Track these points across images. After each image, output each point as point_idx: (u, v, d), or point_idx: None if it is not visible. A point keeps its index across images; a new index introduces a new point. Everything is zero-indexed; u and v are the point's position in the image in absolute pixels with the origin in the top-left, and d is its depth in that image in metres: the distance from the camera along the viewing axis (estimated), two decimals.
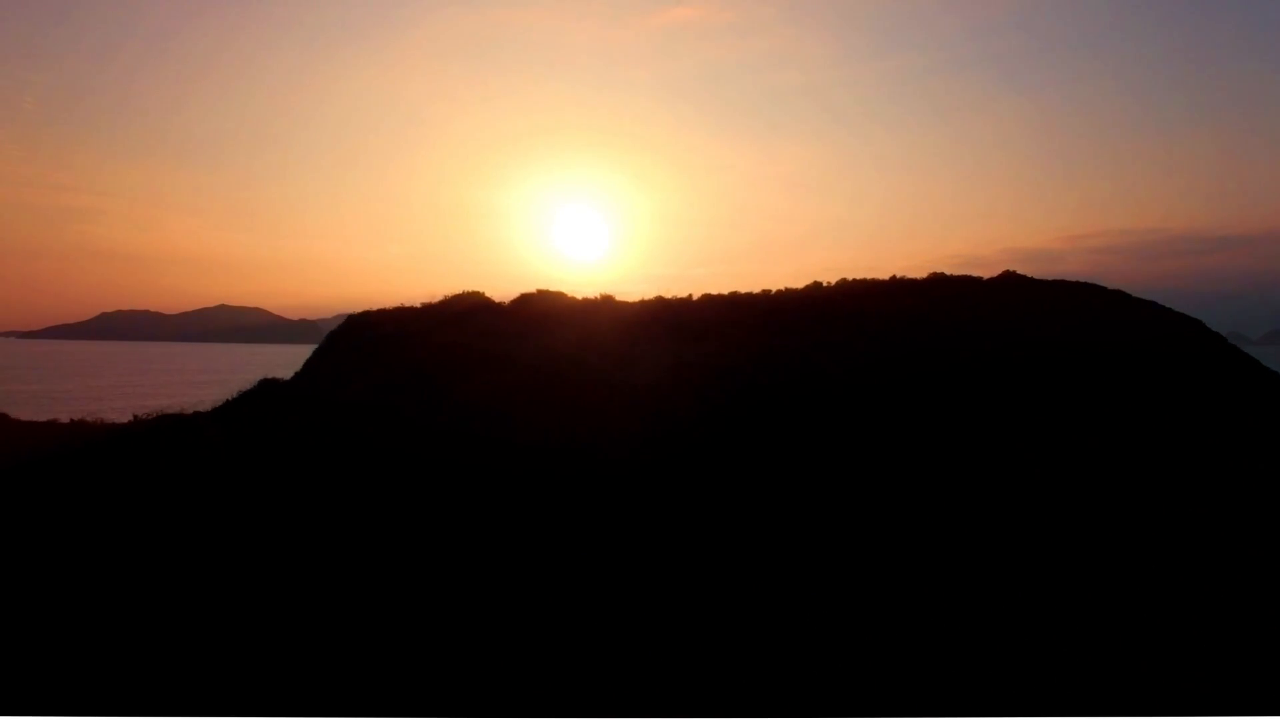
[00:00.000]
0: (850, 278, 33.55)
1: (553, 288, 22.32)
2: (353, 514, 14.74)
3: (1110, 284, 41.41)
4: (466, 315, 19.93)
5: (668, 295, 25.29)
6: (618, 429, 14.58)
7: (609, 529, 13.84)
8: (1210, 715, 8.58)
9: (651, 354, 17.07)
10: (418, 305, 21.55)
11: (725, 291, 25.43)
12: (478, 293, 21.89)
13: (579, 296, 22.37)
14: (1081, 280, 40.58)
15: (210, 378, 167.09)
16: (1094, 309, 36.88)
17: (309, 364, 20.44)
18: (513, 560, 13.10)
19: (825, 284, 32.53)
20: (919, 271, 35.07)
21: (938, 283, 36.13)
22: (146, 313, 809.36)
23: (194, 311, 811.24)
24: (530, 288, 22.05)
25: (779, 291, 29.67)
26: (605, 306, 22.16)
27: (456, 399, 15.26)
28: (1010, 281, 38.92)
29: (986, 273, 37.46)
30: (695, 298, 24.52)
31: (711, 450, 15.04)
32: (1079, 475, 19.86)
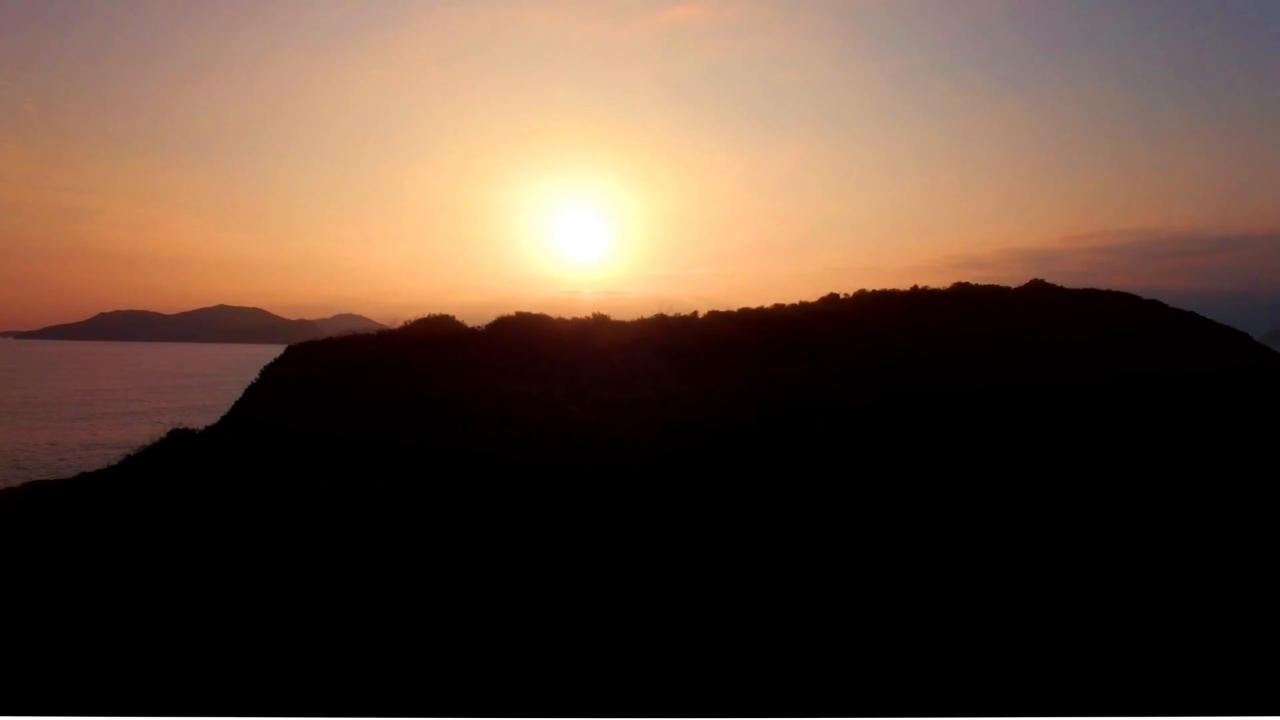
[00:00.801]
0: (869, 289, 30.58)
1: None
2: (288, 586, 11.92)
3: (1112, 285, 38.79)
4: (432, 346, 16.88)
5: (669, 308, 22.47)
6: (604, 500, 11.79)
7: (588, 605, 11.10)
8: (1210, 715, 8.42)
9: (648, 399, 14.12)
10: (373, 334, 18.48)
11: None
12: (447, 317, 18.82)
13: (569, 317, 19.45)
14: (1112, 290, 37.88)
15: (198, 381, 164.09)
16: (1130, 322, 34.09)
17: (240, 405, 17.36)
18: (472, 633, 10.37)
19: (843, 296, 29.68)
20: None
21: (962, 294, 33.37)
22: (145, 313, 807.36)
23: (193, 312, 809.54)
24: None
25: (793, 306, 26.78)
26: (597, 330, 19.14)
27: (404, 470, 12.33)
28: (1038, 292, 36.19)
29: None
30: (701, 314, 21.65)
31: (717, 521, 12.24)
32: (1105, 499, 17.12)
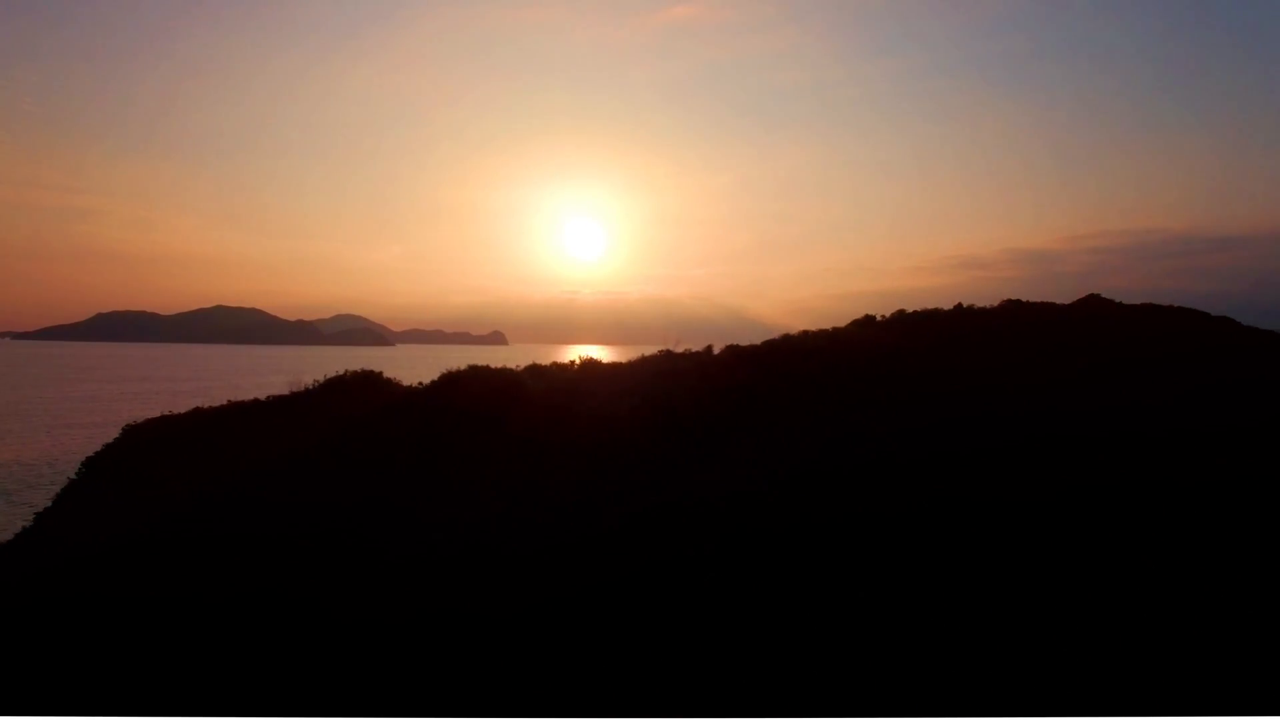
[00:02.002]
0: (907, 309, 26.38)
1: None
2: None
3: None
4: (344, 433, 12.17)
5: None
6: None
7: None
8: (1210, 715, 8.01)
9: (645, 537, 9.61)
10: (264, 399, 13.97)
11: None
12: (372, 374, 14.31)
13: (548, 362, 15.08)
14: (1175, 306, 33.59)
15: (189, 386, 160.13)
16: (1204, 343, 29.86)
17: (39, 522, 12.64)
18: None
19: (880, 318, 25.44)
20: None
21: (1012, 311, 29.15)
22: (143, 314, 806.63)
23: (191, 312, 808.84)
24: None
25: (822, 334, 22.45)
26: (582, 385, 14.45)
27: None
28: (1095, 309, 31.95)
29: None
30: (717, 351, 17.37)
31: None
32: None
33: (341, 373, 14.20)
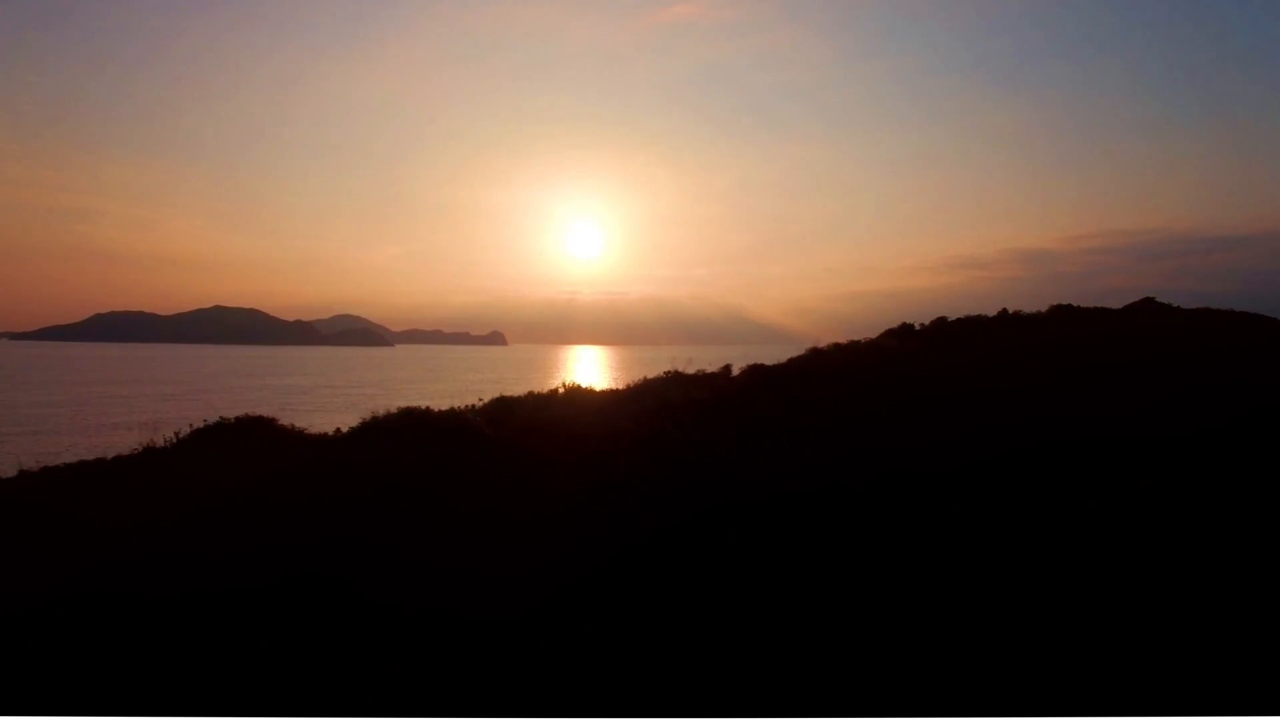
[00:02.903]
0: (950, 317, 23.08)
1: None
2: None
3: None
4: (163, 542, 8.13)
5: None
6: None
7: None
8: (1210, 715, 7.56)
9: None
10: (109, 457, 10.10)
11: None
12: (262, 420, 10.49)
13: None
14: (1232, 310, 30.36)
15: (180, 389, 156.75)
16: (1256, 342, 26.71)
17: None
18: None
19: (918, 327, 22.18)
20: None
21: (1061, 317, 25.94)
22: (141, 314, 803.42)
23: (189, 313, 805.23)
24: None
25: (854, 347, 19.14)
26: (562, 428, 10.63)
27: None
28: (1150, 315, 28.73)
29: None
30: (736, 373, 14.13)
31: None
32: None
33: (215, 420, 10.33)
